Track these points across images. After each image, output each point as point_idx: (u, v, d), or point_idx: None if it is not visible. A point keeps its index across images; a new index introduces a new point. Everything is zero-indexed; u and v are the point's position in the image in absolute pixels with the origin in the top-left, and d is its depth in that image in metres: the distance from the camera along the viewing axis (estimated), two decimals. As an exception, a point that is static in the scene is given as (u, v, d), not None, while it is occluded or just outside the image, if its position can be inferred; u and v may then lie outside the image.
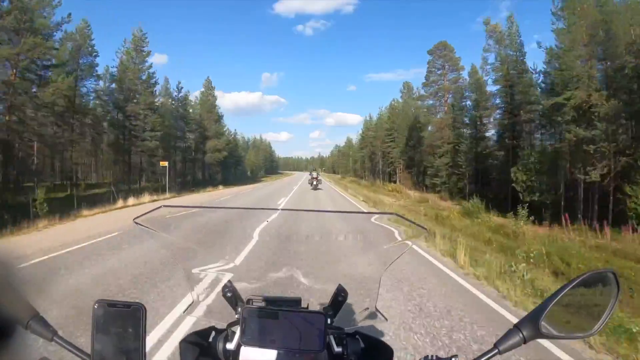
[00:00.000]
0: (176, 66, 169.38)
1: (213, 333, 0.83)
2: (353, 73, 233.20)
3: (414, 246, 4.60)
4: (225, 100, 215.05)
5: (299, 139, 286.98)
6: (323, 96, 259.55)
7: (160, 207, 0.91)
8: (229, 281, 0.89)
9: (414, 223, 0.92)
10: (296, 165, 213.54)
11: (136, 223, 0.84)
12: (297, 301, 0.88)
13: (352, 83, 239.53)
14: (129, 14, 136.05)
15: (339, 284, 0.89)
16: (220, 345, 0.80)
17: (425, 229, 0.89)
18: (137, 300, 0.68)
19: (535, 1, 60.81)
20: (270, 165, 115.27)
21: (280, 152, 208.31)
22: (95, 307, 0.64)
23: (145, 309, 0.64)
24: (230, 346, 0.78)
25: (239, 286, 0.90)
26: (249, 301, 0.86)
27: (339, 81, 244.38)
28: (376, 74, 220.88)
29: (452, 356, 0.71)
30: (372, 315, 0.93)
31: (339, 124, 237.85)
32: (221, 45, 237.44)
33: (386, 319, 0.94)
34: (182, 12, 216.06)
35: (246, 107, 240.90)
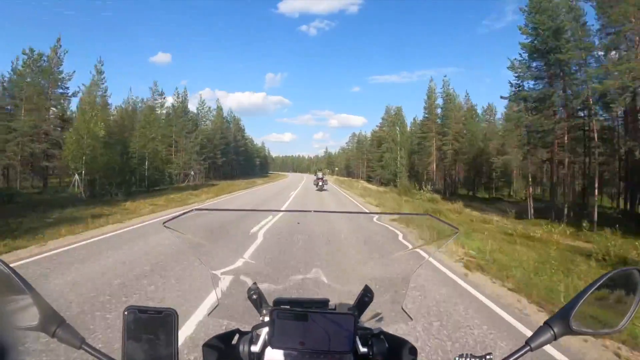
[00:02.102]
0: (180, 65, 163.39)
1: (237, 336, 0.82)
2: (357, 74, 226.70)
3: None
4: (229, 100, 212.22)
5: (302, 140, 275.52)
6: (327, 97, 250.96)
7: (191, 210, 0.92)
8: (255, 283, 0.91)
9: (446, 223, 0.93)
10: (297, 165, 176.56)
11: (166, 227, 0.84)
12: (324, 302, 0.88)
13: (356, 84, 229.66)
14: (132, 14, 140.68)
15: (366, 285, 0.90)
16: (244, 348, 0.79)
17: (457, 228, 0.90)
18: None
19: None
20: (236, 161, 63.25)
21: (283, 152, 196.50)
22: (126, 313, 0.64)
23: (177, 314, 0.64)
24: (255, 348, 0.78)
25: (264, 288, 0.91)
26: (275, 303, 0.86)
27: (343, 82, 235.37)
28: (380, 75, 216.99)
29: (486, 354, 0.71)
30: (397, 315, 0.94)
31: (342, 125, 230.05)
32: (225, 44, 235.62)
33: (411, 319, 0.94)
34: (186, 11, 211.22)
35: (250, 107, 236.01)
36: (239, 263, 1.20)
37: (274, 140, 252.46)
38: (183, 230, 0.91)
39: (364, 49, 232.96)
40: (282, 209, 12.79)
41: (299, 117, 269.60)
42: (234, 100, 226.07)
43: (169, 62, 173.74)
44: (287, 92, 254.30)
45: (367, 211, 10.69)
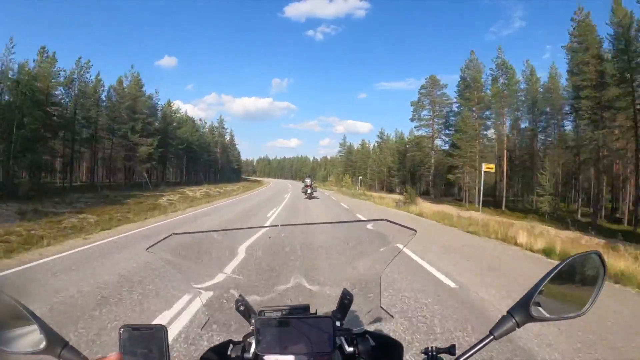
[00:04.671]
0: (186, 69, 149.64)
1: (231, 346, 0.86)
2: (364, 80, 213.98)
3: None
4: (235, 105, 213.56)
5: (308, 146, 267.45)
6: (333, 103, 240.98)
7: (170, 235, 0.94)
8: (241, 295, 0.93)
9: (403, 226, 0.97)
10: (297, 169, 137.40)
11: (149, 252, 0.89)
12: (305, 308, 0.92)
13: (363, 91, 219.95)
14: (139, 16, 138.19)
15: (344, 288, 0.92)
16: (238, 357, 0.83)
17: (415, 230, 0.94)
18: None
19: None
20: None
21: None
22: (121, 331, 0.69)
23: (166, 329, 0.69)
24: (249, 356, 0.82)
25: (250, 299, 0.95)
26: (261, 312, 0.90)
27: (349, 88, 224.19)
28: (387, 82, 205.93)
29: (450, 346, 0.74)
30: (379, 314, 0.98)
31: (348, 131, 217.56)
32: (231, 48, 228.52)
33: (392, 316, 0.98)
34: (193, 14, 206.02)
35: (256, 112, 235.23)
36: (224, 279, 1.18)
37: (280, 146, 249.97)
38: (166, 253, 0.96)
39: (370, 54, 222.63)
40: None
41: (305, 123, 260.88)
42: (241, 105, 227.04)
43: (175, 66, 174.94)
44: (294, 97, 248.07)
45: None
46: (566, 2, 67.01)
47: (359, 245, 1.20)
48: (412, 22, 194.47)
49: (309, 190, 25.33)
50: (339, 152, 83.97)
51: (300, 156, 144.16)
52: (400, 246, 0.99)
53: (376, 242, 1.06)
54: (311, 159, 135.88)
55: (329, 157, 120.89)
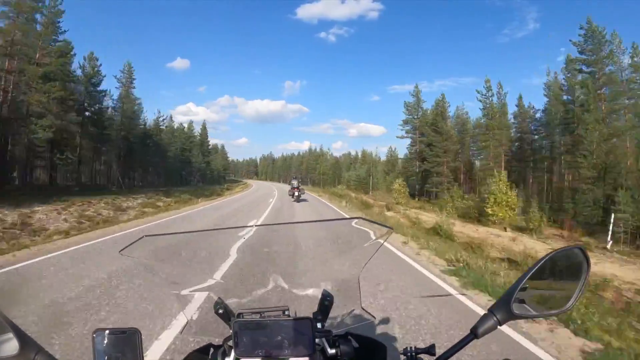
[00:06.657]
0: (198, 71, 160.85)
1: (211, 350, 0.85)
2: (376, 83, 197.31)
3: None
4: (248, 108, 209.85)
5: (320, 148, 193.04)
6: (345, 106, 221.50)
7: (142, 237, 0.91)
8: (220, 298, 0.92)
9: (379, 224, 0.95)
10: (311, 168, 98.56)
11: (122, 255, 0.88)
12: (284, 310, 0.90)
13: (376, 93, 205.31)
14: (149, 18, 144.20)
15: (324, 290, 0.91)
16: None
17: (391, 228, 0.93)
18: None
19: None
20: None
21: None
22: (94, 335, 0.68)
23: (140, 333, 0.69)
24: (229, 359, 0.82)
25: (229, 302, 0.94)
26: (239, 315, 0.88)
27: (362, 91, 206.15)
28: (400, 85, 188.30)
29: (430, 346, 0.73)
30: (360, 315, 0.96)
31: (361, 134, 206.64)
32: (244, 50, 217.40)
33: (373, 317, 0.97)
34: (204, 16, 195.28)
35: (268, 115, 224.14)
36: (203, 282, 1.16)
37: (292, 149, 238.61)
38: (140, 256, 0.93)
39: (383, 56, 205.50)
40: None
41: (317, 126, 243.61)
42: (253, 108, 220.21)
43: (188, 68, 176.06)
44: (306, 100, 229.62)
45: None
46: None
47: (336, 245, 1.08)
48: (425, 23, 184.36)
49: (296, 193, 24.05)
50: (406, 119, 46.06)
51: (313, 150, 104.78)
52: (378, 244, 0.95)
53: (353, 241, 0.98)
54: (328, 154, 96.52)
55: (353, 153, 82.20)
